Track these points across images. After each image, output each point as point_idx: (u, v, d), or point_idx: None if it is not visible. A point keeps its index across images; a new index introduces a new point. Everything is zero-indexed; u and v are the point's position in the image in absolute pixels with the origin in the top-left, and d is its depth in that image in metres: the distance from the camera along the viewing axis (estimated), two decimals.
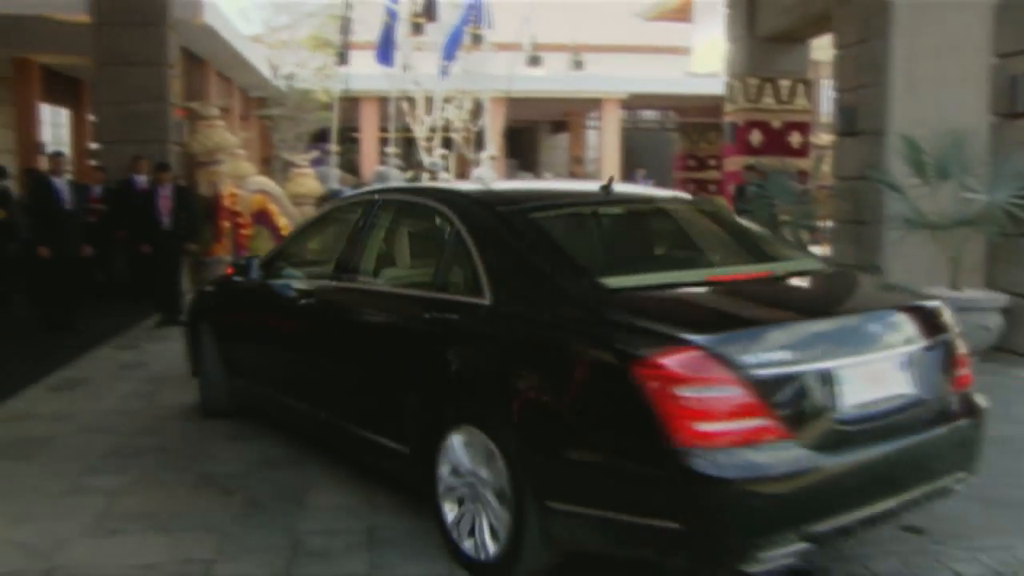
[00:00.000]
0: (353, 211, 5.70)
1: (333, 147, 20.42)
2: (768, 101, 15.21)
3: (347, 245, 5.51)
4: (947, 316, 4.31)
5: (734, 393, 3.48)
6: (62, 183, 10.61)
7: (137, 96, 13.79)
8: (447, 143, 23.07)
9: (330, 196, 17.61)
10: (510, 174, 28.23)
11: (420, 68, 23.78)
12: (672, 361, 3.47)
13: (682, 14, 27.01)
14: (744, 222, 5.50)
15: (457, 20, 22.10)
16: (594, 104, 27.72)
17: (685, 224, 5.37)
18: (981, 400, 4.31)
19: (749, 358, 3.53)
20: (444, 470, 4.38)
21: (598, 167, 28.72)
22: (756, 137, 15.34)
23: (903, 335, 4.07)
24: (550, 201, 5.11)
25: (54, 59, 18.59)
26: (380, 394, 4.83)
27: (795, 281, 4.64)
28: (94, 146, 15.43)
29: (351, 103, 23.44)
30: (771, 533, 3.53)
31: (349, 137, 22.74)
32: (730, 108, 15.91)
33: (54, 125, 22.93)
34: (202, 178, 14.90)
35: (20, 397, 7.73)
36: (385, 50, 20.69)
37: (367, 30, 23.77)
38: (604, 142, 27.68)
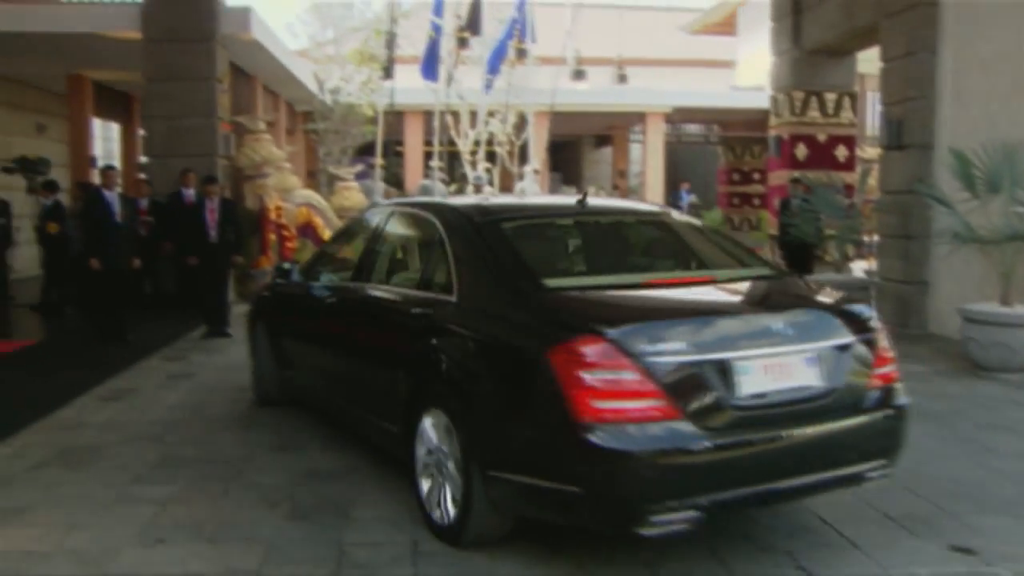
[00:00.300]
0: (371, 221, 6.53)
1: (378, 161, 20.53)
2: (814, 115, 15.09)
3: (363, 251, 6.33)
4: (870, 318, 4.72)
5: (630, 377, 4.00)
6: (113, 196, 10.77)
7: (186, 111, 14.00)
8: (491, 157, 23.14)
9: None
10: (553, 188, 28.23)
11: (464, 82, 23.94)
12: (576, 349, 4.03)
13: (727, 27, 26.90)
14: (713, 233, 5.99)
15: (501, 34, 22.19)
16: (638, 118, 27.64)
17: (653, 234, 6.01)
18: (902, 396, 4.70)
19: (646, 348, 4.04)
20: (421, 450, 4.98)
21: (642, 181, 28.65)
22: (802, 151, 15.23)
23: (813, 333, 4.49)
24: (524, 213, 5.79)
25: (106, 75, 18.91)
26: (379, 380, 5.52)
27: (728, 285, 5.04)
28: (144, 160, 15.63)
29: (396, 117, 23.55)
30: (660, 501, 4.00)
31: (394, 151, 22.87)
32: (775, 121, 15.81)
33: (105, 139, 23.32)
34: (249, 191, 15.09)
35: (71, 406, 7.84)
36: (430, 64, 20.80)
37: (412, 44, 23.94)
38: (648, 156, 27.58)
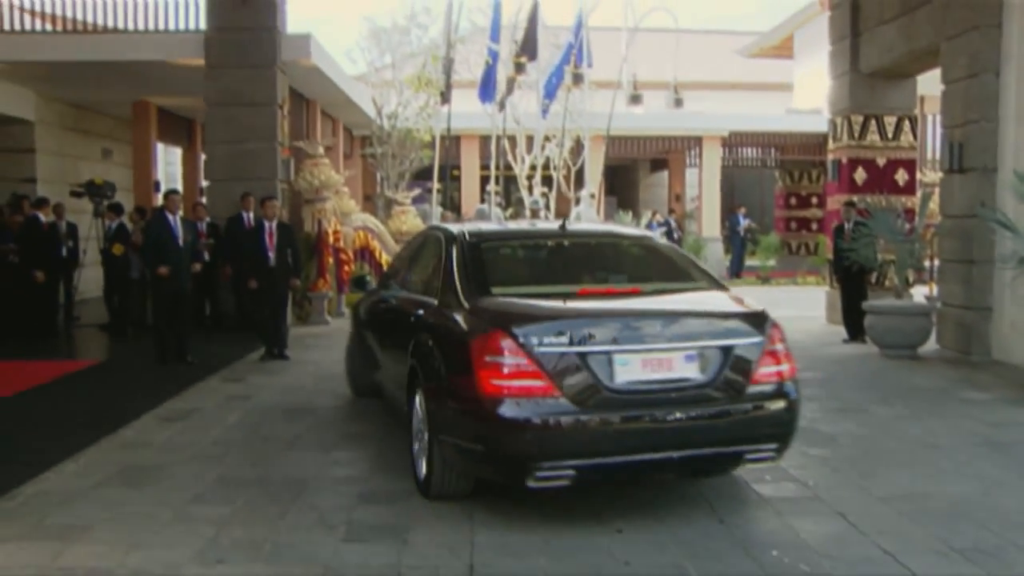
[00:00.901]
0: (416, 240, 8.19)
1: (434, 185, 20.63)
2: (873, 138, 14.88)
3: (406, 263, 7.85)
4: (761, 325, 5.64)
5: (523, 363, 5.16)
6: (176, 220, 10.93)
7: (247, 135, 14.23)
8: (547, 181, 23.14)
9: None
10: (608, 212, 28.16)
11: (521, 106, 24.00)
12: (486, 340, 5.27)
13: (783, 50, 26.70)
14: (676, 254, 6.92)
15: (558, 59, 22.24)
16: (694, 142, 27.49)
17: (617, 253, 7.11)
18: (792, 392, 5.62)
19: (536, 340, 5.19)
20: (414, 422, 6.16)
21: (698, 205, 28.47)
22: (860, 175, 15.01)
23: (696, 336, 5.48)
24: (509, 236, 7.22)
25: (169, 101, 19.30)
26: (398, 369, 6.63)
27: (649, 295, 6.19)
28: (205, 183, 15.89)
29: (453, 141, 23.67)
30: (541, 460, 5.12)
31: (451, 175, 22.98)
32: (834, 145, 15.62)
33: (167, 163, 23.79)
34: (307, 215, 15.25)
35: (132, 426, 7.95)
36: (486, 88, 20.90)
37: (469, 69, 24.08)
38: (704, 180, 27.39)
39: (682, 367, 5.39)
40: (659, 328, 5.45)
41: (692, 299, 6.11)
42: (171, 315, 11.00)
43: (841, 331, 13.27)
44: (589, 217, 20.46)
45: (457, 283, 6.03)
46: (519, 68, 21.28)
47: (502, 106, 21.15)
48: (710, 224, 27.07)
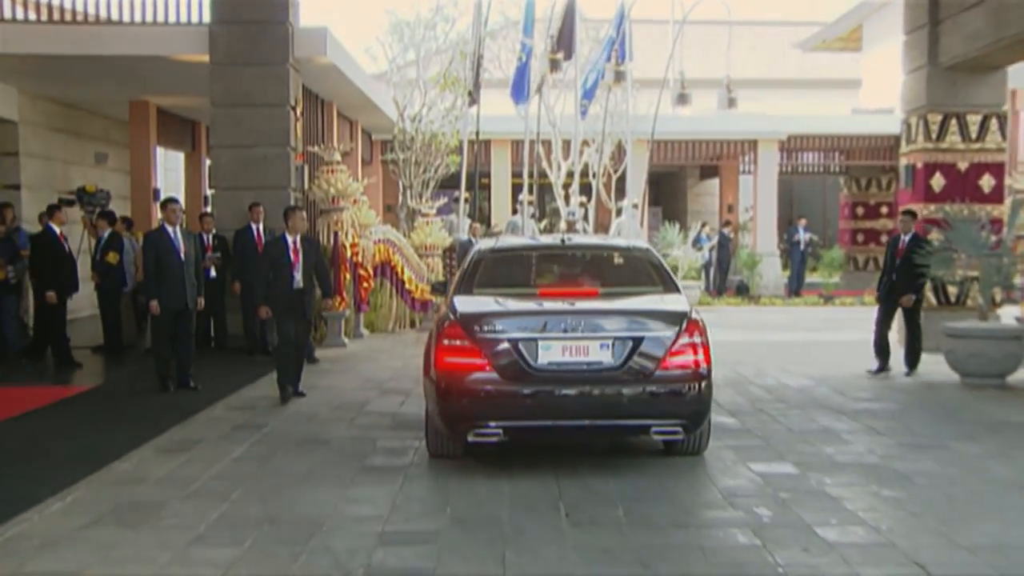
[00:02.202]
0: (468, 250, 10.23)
1: (462, 194, 20.57)
2: (953, 139, 14.60)
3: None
4: (678, 323, 7.36)
5: (466, 344, 7.24)
6: (177, 232, 10.86)
7: (256, 139, 14.22)
8: (586, 190, 23.03)
9: (459, 247, 17.71)
10: (653, 224, 28.01)
11: (557, 108, 23.91)
12: (445, 327, 7.44)
13: (850, 43, 26.47)
14: (652, 265, 8.57)
15: (597, 55, 22.16)
16: (749, 146, 27.31)
17: (601, 262, 9.21)
18: (701, 378, 7.30)
19: (478, 328, 7.30)
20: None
21: (752, 216, 28.25)
22: (939, 181, 14.73)
23: (611, 328, 7.34)
24: (512, 247, 9.58)
25: (171, 101, 19.31)
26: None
27: (602, 297, 8.11)
28: (210, 192, 15.86)
29: (482, 146, 23.66)
30: (476, 420, 7.23)
31: (479, 183, 22.91)
32: (907, 148, 15.35)
33: (168, 169, 23.81)
34: (323, 226, 15.18)
35: (128, 459, 7.88)
36: (519, 87, 20.84)
37: (500, 67, 24.06)
38: (759, 188, 27.17)
39: (596, 353, 7.27)
40: (581, 322, 7.34)
41: (629, 300, 7.95)
42: (172, 336, 10.93)
43: (922, 355, 12.88)
44: (632, 230, 20.33)
45: (455, 284, 8.34)
46: (555, 66, 21.21)
47: (538, 91, 21.01)
48: (766, 237, 26.84)
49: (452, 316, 7.49)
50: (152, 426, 8.99)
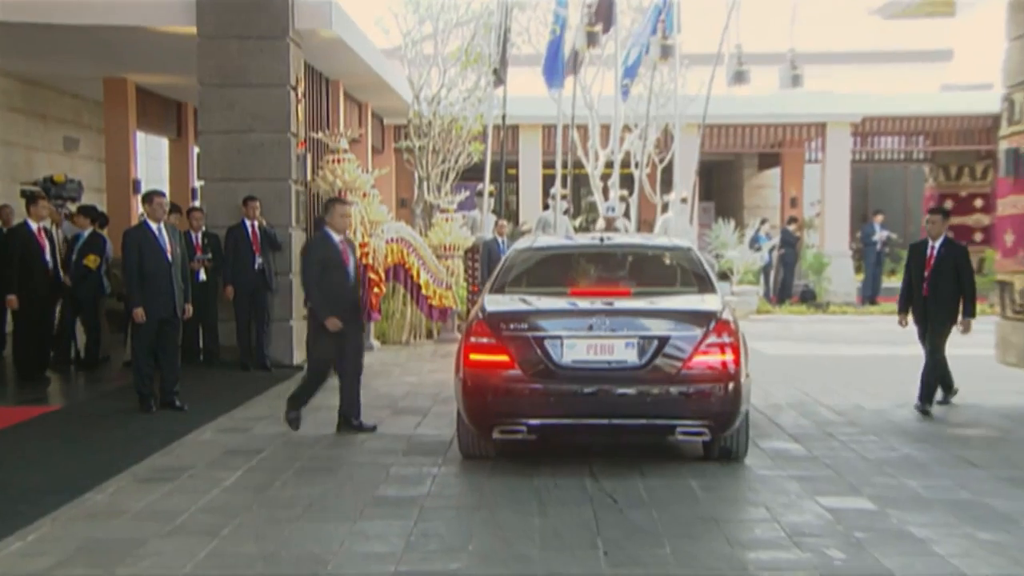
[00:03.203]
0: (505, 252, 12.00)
1: (486, 187, 20.54)
2: None
3: None
4: (707, 321, 8.21)
5: (492, 342, 8.20)
6: (161, 229, 10.86)
7: (251, 124, 14.22)
8: (627, 182, 22.95)
9: (483, 248, 17.66)
10: (704, 221, 27.90)
11: (594, 89, 23.86)
12: (472, 325, 8.50)
13: (939, 7, 26.09)
14: (693, 263, 9.61)
15: (640, 28, 22.08)
16: (816, 130, 27.17)
17: (634, 261, 10.23)
18: (732, 379, 8.06)
19: (503, 326, 8.27)
20: None
21: (820, 211, 28.06)
22: None
23: (637, 328, 8.21)
24: (548, 247, 10.73)
25: (153, 79, 19.32)
26: None
27: (634, 297, 9.03)
28: (199, 183, 15.87)
29: (509, 132, 23.62)
30: (501, 417, 8.18)
31: (506, 174, 22.83)
32: (1009, 130, 15.13)
33: (149, 158, 23.80)
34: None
35: (102, 489, 7.86)
36: (553, 67, 20.78)
37: (530, 42, 24.03)
38: (828, 179, 26.98)
39: (621, 351, 8.12)
40: (606, 320, 8.21)
41: (658, 300, 8.90)
42: (156, 348, 10.93)
43: (1020, 375, 12.66)
44: (680, 228, 20.20)
45: (488, 284, 9.52)
46: (592, 39, 21.17)
47: (572, 70, 20.94)
48: (836, 235, 26.69)
49: (480, 314, 8.53)
50: (131, 451, 8.98)
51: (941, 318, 11.19)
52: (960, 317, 11.16)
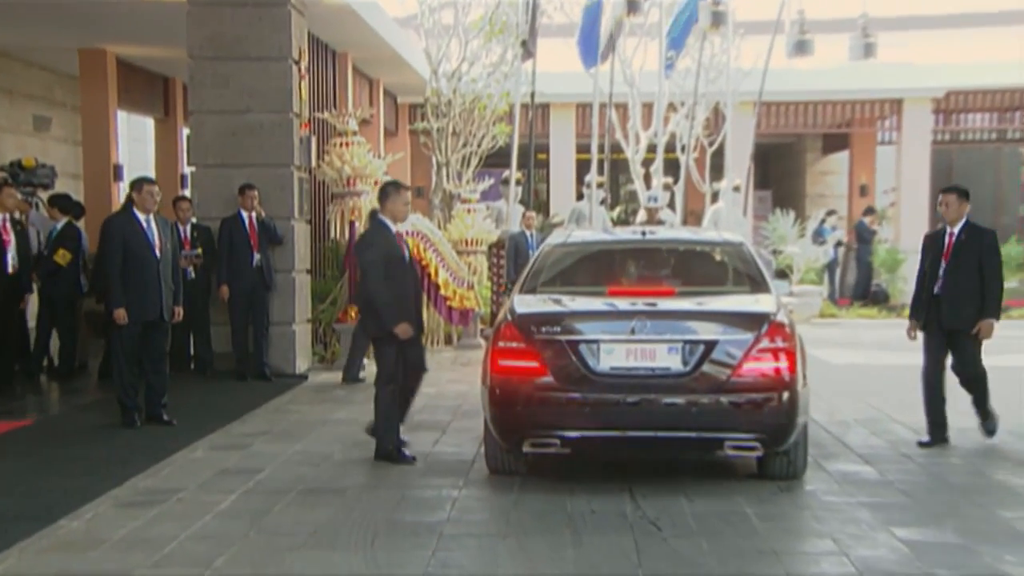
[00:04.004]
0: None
1: (512, 174, 20.51)
2: None
3: None
4: (759, 324, 8.31)
5: (522, 347, 8.35)
6: (150, 221, 10.88)
7: (248, 102, 14.25)
8: (672, 168, 22.91)
9: (509, 243, 17.63)
10: (759, 213, 27.81)
11: (636, 62, 23.83)
12: (501, 328, 8.64)
13: None
14: (742, 261, 9.77)
15: None
16: (891, 107, 27.09)
17: (680, 258, 10.44)
18: (786, 388, 8.12)
19: (534, 330, 8.42)
20: None
21: (895, 200, 27.92)
22: None
23: (681, 331, 8.37)
24: (584, 242, 10.93)
25: (136, 51, 19.36)
26: None
27: (678, 296, 9.18)
28: (189, 170, 15.90)
29: (539, 112, 23.59)
30: (532, 429, 8.32)
31: (535, 160, 22.81)
32: None
33: (133, 140, 23.82)
34: (335, 214, 15.20)
35: (79, 515, 7.86)
36: (590, 41, 20.77)
37: (562, 10, 24.00)
38: (904, 164, 26.87)
39: (664, 357, 8.23)
40: (648, 323, 8.32)
41: (706, 300, 9.05)
42: (141, 354, 10.96)
43: None
44: (732, 221, 20.15)
45: (518, 283, 9.63)
46: (633, 7, 21.16)
47: (611, 44, 20.93)
48: (913, 229, 26.39)
49: (509, 317, 8.67)
50: (112, 472, 9.01)
51: (958, 324, 10.16)
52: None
